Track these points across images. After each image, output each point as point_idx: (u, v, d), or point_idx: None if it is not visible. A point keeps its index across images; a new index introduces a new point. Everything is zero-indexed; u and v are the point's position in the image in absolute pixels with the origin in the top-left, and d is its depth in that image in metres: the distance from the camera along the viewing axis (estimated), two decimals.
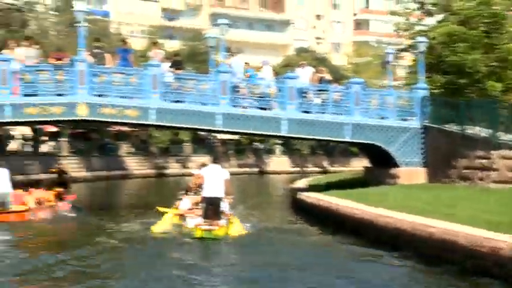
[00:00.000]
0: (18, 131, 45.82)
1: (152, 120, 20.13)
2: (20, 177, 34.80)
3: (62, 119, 19.70)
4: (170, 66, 20.54)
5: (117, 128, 52.31)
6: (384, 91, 22.78)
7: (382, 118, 21.43)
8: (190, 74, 20.74)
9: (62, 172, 22.04)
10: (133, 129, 54.46)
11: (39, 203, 18.57)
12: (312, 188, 25.00)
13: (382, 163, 22.13)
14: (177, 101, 20.44)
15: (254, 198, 32.64)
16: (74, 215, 19.10)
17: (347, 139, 21.45)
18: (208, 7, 74.05)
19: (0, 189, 17.34)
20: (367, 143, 21.63)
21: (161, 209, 16.62)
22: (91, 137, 48.57)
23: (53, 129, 48.14)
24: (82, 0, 47.92)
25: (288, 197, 29.20)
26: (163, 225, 15.61)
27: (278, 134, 21.00)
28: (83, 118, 19.83)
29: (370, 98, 21.58)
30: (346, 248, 13.76)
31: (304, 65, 22.00)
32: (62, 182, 21.44)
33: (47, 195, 19.44)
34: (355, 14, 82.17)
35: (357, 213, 14.86)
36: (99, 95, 19.88)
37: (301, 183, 30.63)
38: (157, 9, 70.41)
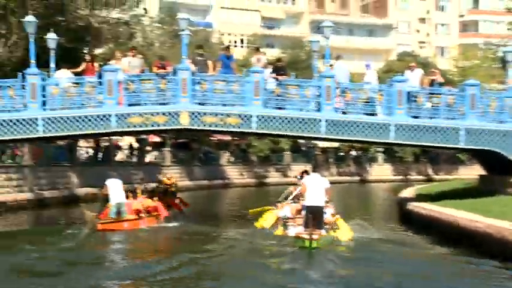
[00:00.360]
0: (125, 142, 47.21)
1: (254, 128, 19.64)
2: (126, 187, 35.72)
3: (164, 128, 19.62)
4: (271, 72, 20.00)
5: (218, 137, 52.77)
6: (503, 93, 20.95)
7: (501, 122, 19.79)
8: (293, 80, 20.06)
9: (171, 182, 22.73)
10: (234, 138, 54.74)
11: (148, 211, 19.59)
12: (421, 197, 23.60)
13: (500, 171, 20.45)
14: (279, 108, 19.86)
15: (358, 208, 31.62)
16: (180, 223, 19.96)
17: (461, 145, 19.96)
18: (308, 14, 73.48)
19: (116, 199, 18.56)
20: (483, 149, 20.05)
21: (253, 212, 17.74)
22: (193, 146, 49.13)
23: (157, 139, 49.23)
24: (186, 12, 48.58)
25: (394, 207, 27.98)
26: (266, 220, 16.18)
27: (386, 141, 19.87)
28: (185, 127, 19.66)
29: (488, 100, 19.97)
30: (466, 263, 12.77)
31: (414, 67, 20.69)
32: (171, 191, 22.35)
33: (156, 204, 20.30)
34: (461, 16, 78.66)
35: (479, 227, 13.53)
36: (201, 103, 19.66)
37: (408, 192, 29.13)
38: (258, 19, 70.71)
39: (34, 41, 19.86)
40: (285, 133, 19.96)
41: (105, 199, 18.99)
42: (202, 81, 19.56)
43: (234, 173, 52.57)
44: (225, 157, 52.26)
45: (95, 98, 19.39)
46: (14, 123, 18.96)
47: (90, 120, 19.21)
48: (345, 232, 15.46)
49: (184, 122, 19.46)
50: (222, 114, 19.52)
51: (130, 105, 19.40)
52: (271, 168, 56.48)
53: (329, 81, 19.68)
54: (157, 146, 47.38)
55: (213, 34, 57.19)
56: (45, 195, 29.28)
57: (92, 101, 19.44)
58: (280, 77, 19.80)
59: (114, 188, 18.71)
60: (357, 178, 62.83)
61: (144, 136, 44.93)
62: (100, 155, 37.83)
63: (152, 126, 19.51)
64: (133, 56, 19.88)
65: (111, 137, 41.46)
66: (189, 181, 43.62)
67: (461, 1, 78.79)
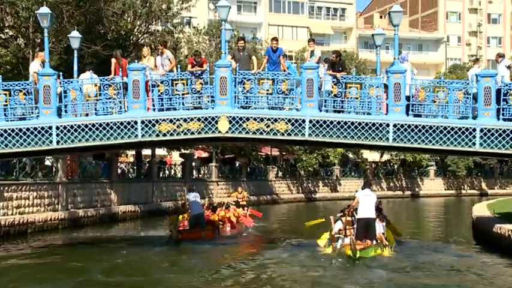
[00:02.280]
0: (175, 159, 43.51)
1: (307, 135, 15.14)
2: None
3: (199, 136, 15.33)
4: (328, 68, 15.51)
5: (266, 151, 48.54)
6: None
7: None
8: (354, 77, 15.48)
9: (242, 196, 24.53)
10: (282, 152, 50.41)
11: (224, 222, 20.49)
12: (504, 217, 18.69)
13: None
14: (337, 111, 15.35)
15: (425, 227, 27.00)
16: (248, 232, 21.23)
17: None
18: (356, 30, 68.66)
19: (196, 211, 19.17)
20: None
21: (308, 224, 17.83)
22: (240, 161, 44.91)
23: (205, 155, 45.34)
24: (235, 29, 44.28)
25: (464, 226, 23.34)
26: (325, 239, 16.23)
27: (470, 150, 15.05)
28: (224, 135, 15.34)
29: None
30: None
31: (501, 56, 15.72)
32: (242, 204, 23.80)
33: (230, 215, 21.14)
34: None
35: None
36: (244, 107, 15.34)
37: (480, 210, 24.04)
38: (306, 35, 66.36)
39: (49, 37, 15.95)
40: (345, 141, 15.35)
41: (184, 211, 20.17)
42: (245, 81, 15.25)
43: (282, 188, 48.21)
44: (273, 172, 47.81)
45: (120, 102, 15.30)
46: (24, 133, 15.00)
47: (112, 128, 15.10)
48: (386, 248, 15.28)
49: (223, 128, 15.15)
50: (268, 119, 15.13)
51: (159, 110, 15.24)
52: (320, 183, 51.95)
53: (398, 77, 15.07)
54: (204, 162, 43.36)
55: (262, 47, 52.99)
56: (80, 214, 25.42)
57: (117, 105, 15.36)
58: (338, 74, 15.30)
59: (194, 200, 19.39)
60: (408, 193, 57.56)
61: (189, 151, 41.10)
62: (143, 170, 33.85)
63: (185, 134, 15.24)
64: (161, 52, 15.72)
65: (155, 152, 37.70)
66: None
67: None
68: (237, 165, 44.39)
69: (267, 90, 15.21)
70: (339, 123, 15.12)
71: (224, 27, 15.21)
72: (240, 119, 15.15)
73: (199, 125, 15.15)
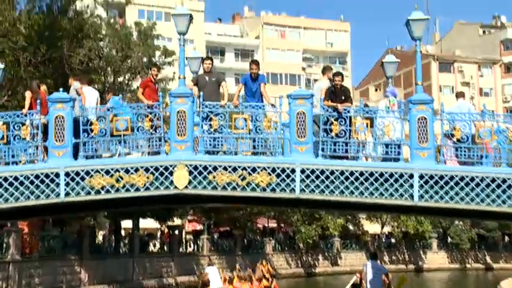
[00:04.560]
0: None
1: (298, 191, 9.82)
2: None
3: (148, 194, 10.04)
4: (325, 98, 10.38)
5: (262, 222, 42.96)
6: None
7: None
8: (362, 109, 10.27)
9: (266, 269, 23.01)
10: (279, 223, 44.80)
11: None
12: None
13: None
14: (340, 157, 10.12)
15: None
16: None
17: None
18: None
19: (215, 285, 18.86)
20: None
21: None
22: (235, 234, 39.15)
23: (199, 227, 39.89)
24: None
25: None
26: None
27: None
28: (183, 192, 10.00)
29: None
30: None
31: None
32: (267, 277, 22.57)
33: None
34: (506, 101, 68.29)
35: None
36: (210, 152, 10.15)
37: None
38: (299, 57, 63.01)
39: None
40: (351, 199, 10.01)
41: (204, 285, 19.55)
42: (212, 116, 10.13)
43: (280, 262, 42.09)
44: (270, 245, 41.85)
45: (37, 147, 10.16)
46: None
47: (22, 184, 9.83)
48: None
49: (181, 182, 9.83)
50: (244, 169, 9.85)
51: (88, 157, 10.05)
52: (320, 256, 45.79)
53: (424, 109, 9.95)
54: (197, 235, 37.69)
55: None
56: None
57: (34, 152, 10.21)
58: (339, 106, 10.19)
59: (213, 274, 19.20)
60: (411, 266, 51.07)
61: (179, 222, 35.52)
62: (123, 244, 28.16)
63: (127, 191, 9.91)
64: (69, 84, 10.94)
65: (138, 222, 32.10)
66: (231, 272, 33.38)
67: (505, 87, 68.87)
68: (217, 237, 38.47)
69: (242, 129, 10.07)
70: (342, 173, 9.85)
71: (182, 39, 10.20)
72: (205, 168, 9.88)
73: (148, 178, 9.87)
